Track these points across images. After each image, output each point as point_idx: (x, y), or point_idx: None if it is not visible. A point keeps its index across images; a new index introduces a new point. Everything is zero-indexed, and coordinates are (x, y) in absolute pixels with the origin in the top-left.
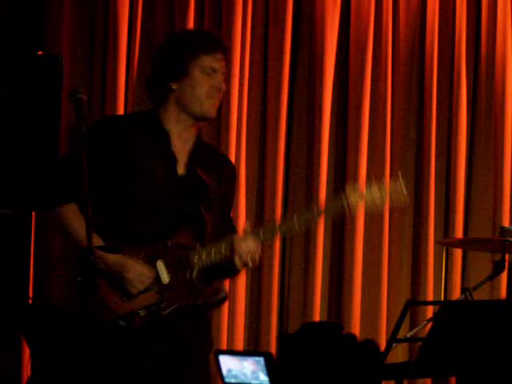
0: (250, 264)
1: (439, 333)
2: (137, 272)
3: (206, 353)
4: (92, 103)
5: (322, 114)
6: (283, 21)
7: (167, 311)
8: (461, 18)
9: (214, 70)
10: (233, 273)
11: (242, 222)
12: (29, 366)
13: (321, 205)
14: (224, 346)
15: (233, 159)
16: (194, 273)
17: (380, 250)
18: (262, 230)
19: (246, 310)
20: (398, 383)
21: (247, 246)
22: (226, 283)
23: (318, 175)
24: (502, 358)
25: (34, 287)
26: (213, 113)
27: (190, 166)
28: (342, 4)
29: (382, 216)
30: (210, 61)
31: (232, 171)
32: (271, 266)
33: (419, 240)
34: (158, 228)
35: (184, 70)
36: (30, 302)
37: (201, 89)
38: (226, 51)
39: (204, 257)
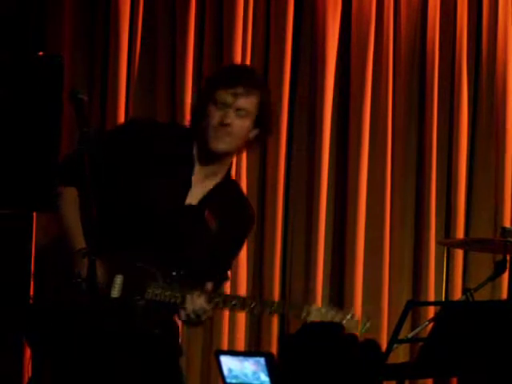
0: (192, 321)
1: (440, 333)
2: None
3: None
4: (93, 104)
5: (323, 113)
6: (284, 19)
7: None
8: (462, 15)
9: (225, 104)
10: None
11: None
12: (29, 366)
13: (278, 303)
14: (225, 347)
15: (234, 159)
16: (141, 302)
17: (381, 250)
18: (217, 297)
19: None
20: None
21: (195, 304)
22: (226, 286)
23: (319, 176)
24: (504, 359)
25: (34, 287)
26: (218, 147)
27: (203, 199)
28: (343, 2)
29: (383, 216)
30: (222, 95)
31: (247, 220)
32: (272, 267)
33: (420, 240)
34: (141, 245)
35: (202, 106)
36: (31, 302)
37: (208, 121)
38: (249, 85)
39: (157, 293)
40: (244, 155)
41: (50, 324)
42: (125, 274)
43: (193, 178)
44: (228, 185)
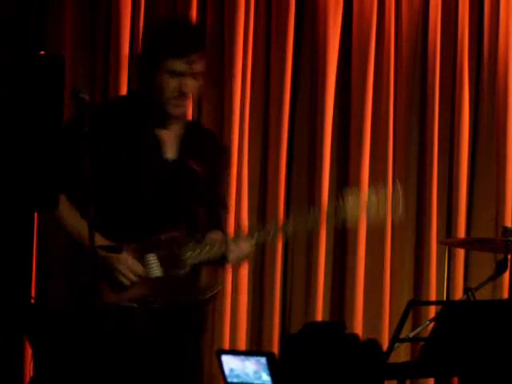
0: (243, 263)
1: (442, 333)
2: (128, 264)
3: (198, 344)
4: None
5: (325, 113)
6: (285, 19)
7: (158, 305)
8: (463, 16)
9: (180, 74)
10: (222, 266)
11: (244, 219)
12: (31, 366)
13: (318, 209)
14: (226, 346)
15: (235, 157)
16: (186, 269)
17: (382, 249)
18: (255, 232)
19: (248, 309)
20: (401, 383)
21: (242, 250)
22: (227, 284)
23: (321, 174)
24: (505, 358)
25: (36, 287)
26: (178, 112)
27: (180, 151)
28: (344, 2)
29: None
30: (175, 64)
31: (222, 151)
32: (273, 266)
33: (422, 240)
34: (151, 221)
35: (154, 72)
36: (33, 301)
37: (165, 91)
38: (196, 50)
39: (196, 255)
40: (246, 153)
41: (51, 323)
42: (155, 251)
43: (159, 134)
44: (193, 127)
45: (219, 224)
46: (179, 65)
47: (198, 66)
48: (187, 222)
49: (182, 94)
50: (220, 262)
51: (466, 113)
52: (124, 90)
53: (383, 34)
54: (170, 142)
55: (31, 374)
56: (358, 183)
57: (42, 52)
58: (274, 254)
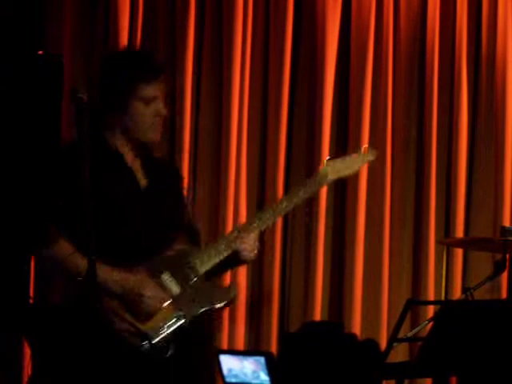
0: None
1: (440, 332)
2: (155, 289)
3: (210, 352)
4: (92, 103)
5: (323, 113)
6: (284, 19)
7: (188, 321)
8: (461, 15)
9: (154, 98)
10: (236, 266)
11: (242, 217)
12: (29, 366)
13: (302, 186)
14: (225, 346)
15: (234, 158)
16: (200, 278)
17: (381, 249)
18: (253, 222)
19: (246, 309)
20: (399, 383)
21: (250, 242)
22: (226, 282)
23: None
24: (503, 358)
25: (34, 287)
26: (156, 137)
27: (148, 177)
28: (342, 2)
29: (382, 215)
30: (150, 90)
31: (178, 172)
32: (272, 266)
33: (420, 240)
34: (149, 246)
35: (125, 104)
36: (31, 301)
37: (143, 120)
38: (164, 72)
39: (206, 260)
40: (245, 152)
41: (49, 324)
42: (166, 270)
43: (131, 165)
44: (146, 150)
45: (199, 240)
46: (151, 89)
47: (166, 87)
48: (183, 233)
49: (159, 118)
50: (232, 261)
51: (464, 112)
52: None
53: (381, 33)
54: (137, 169)
55: (30, 373)
56: (356, 183)
57: (41, 52)
58: (272, 254)
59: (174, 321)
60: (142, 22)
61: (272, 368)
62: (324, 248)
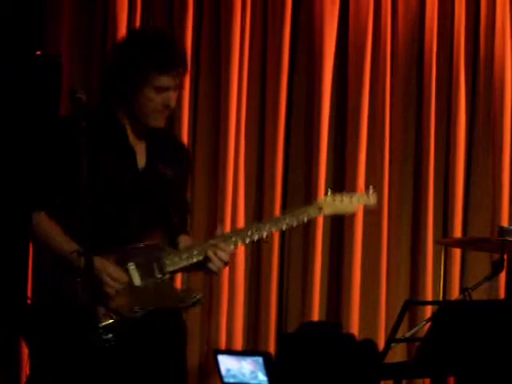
0: (221, 269)
1: (438, 333)
2: (110, 274)
3: (180, 351)
4: (91, 103)
5: (321, 114)
6: (282, 19)
7: (140, 314)
8: (459, 15)
9: (166, 88)
10: (201, 271)
11: (240, 219)
12: (27, 366)
13: (291, 213)
14: (223, 346)
15: (232, 158)
16: (166, 276)
17: (379, 249)
18: (233, 236)
19: (244, 309)
20: (397, 383)
21: (222, 253)
22: (223, 285)
23: (317, 173)
24: (501, 358)
25: (32, 287)
26: (160, 124)
27: (149, 158)
28: (340, 3)
29: (380, 215)
30: (162, 80)
31: (186, 155)
32: (270, 266)
33: (418, 240)
34: (128, 229)
35: (136, 90)
36: (29, 302)
37: (150, 106)
38: (182, 65)
39: (176, 260)
40: (243, 153)
41: (47, 323)
42: (134, 260)
43: (133, 145)
44: (156, 132)
45: (186, 228)
46: (165, 80)
47: (181, 80)
48: (164, 228)
49: (166, 108)
50: (200, 267)
51: (463, 113)
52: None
53: (379, 35)
54: (140, 150)
55: (28, 373)
56: (354, 184)
57: (40, 52)
58: (270, 254)
59: (125, 312)
60: (140, 22)
61: (270, 368)
62: (322, 248)
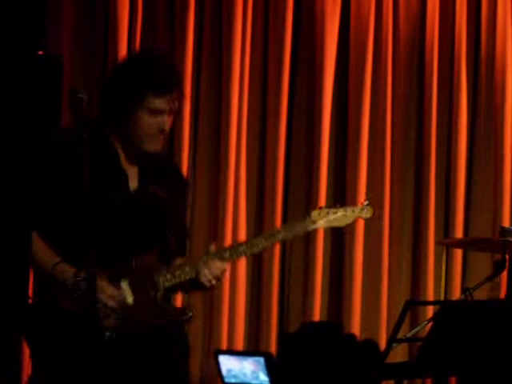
0: (215, 284)
1: (439, 333)
2: (107, 293)
3: (181, 365)
4: (92, 103)
5: (322, 114)
6: (283, 20)
7: (133, 332)
8: (461, 16)
9: (161, 112)
10: (198, 289)
11: (241, 225)
12: (29, 366)
13: (285, 227)
14: (224, 346)
15: (233, 163)
16: (159, 294)
17: (380, 250)
18: (227, 252)
19: (245, 309)
20: (398, 383)
21: (214, 269)
22: (224, 286)
23: (318, 177)
24: (502, 358)
25: (33, 287)
26: (155, 149)
27: (141, 180)
28: (342, 3)
29: (382, 216)
30: (157, 103)
31: (181, 176)
32: (271, 266)
33: (419, 240)
34: (121, 249)
35: (130, 112)
36: (30, 301)
37: (144, 129)
38: (177, 88)
39: (169, 278)
40: (244, 157)
41: (49, 324)
42: (127, 277)
43: (126, 168)
44: (150, 156)
45: (184, 252)
46: (160, 103)
47: (176, 104)
48: (158, 247)
49: (160, 132)
50: (193, 285)
51: (464, 113)
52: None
53: (381, 34)
54: (132, 174)
55: (29, 374)
56: (355, 184)
57: (41, 52)
58: (271, 254)
59: (118, 330)
60: (142, 22)
61: (271, 368)
62: (323, 248)
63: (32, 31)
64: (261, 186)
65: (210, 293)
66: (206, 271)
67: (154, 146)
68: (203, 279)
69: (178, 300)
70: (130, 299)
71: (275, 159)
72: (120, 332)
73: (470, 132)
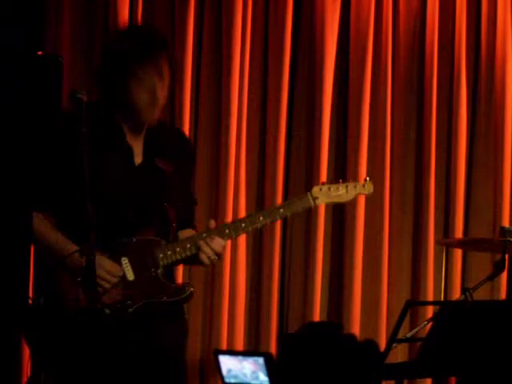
0: (215, 261)
1: (439, 333)
2: (106, 269)
3: (180, 344)
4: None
5: (322, 114)
6: (283, 20)
7: (132, 309)
8: (461, 16)
9: (148, 80)
10: (199, 264)
11: (241, 208)
12: (29, 366)
13: (285, 203)
14: (224, 346)
15: (233, 159)
16: (159, 270)
17: (380, 250)
18: (227, 229)
19: (245, 310)
20: (398, 383)
21: (214, 245)
22: (225, 285)
23: (318, 175)
24: (502, 359)
25: (33, 287)
26: (151, 118)
27: (145, 154)
28: (342, 4)
29: (381, 216)
30: (140, 71)
31: (188, 147)
32: (271, 266)
33: (419, 240)
34: (121, 224)
35: (122, 85)
36: (30, 302)
37: (135, 100)
38: (160, 53)
39: (169, 254)
40: (244, 154)
41: (49, 324)
42: (127, 255)
43: (130, 141)
44: (156, 128)
45: (192, 221)
46: (143, 70)
47: (165, 69)
48: (159, 223)
49: (152, 101)
50: (193, 261)
51: (464, 113)
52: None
53: (381, 32)
54: (137, 146)
55: (29, 374)
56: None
57: (40, 52)
58: (271, 254)
59: (118, 306)
60: (142, 22)
61: (271, 368)
62: (323, 248)
63: (31, 32)
64: (261, 183)
65: (210, 268)
66: (206, 248)
67: (149, 115)
68: (202, 256)
69: (179, 277)
70: (131, 276)
71: (275, 156)
72: (119, 309)
73: (470, 132)
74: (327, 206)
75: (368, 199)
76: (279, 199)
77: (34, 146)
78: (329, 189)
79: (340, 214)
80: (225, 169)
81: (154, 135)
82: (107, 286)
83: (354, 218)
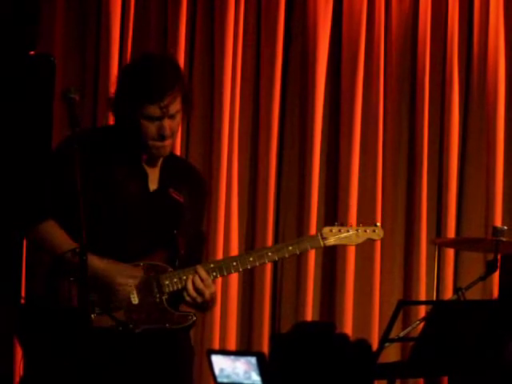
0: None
1: (431, 332)
2: (127, 275)
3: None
4: (84, 103)
5: (315, 115)
6: (275, 19)
7: (139, 331)
8: (453, 16)
9: (159, 118)
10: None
11: (233, 224)
12: (21, 366)
13: (295, 241)
14: (216, 346)
15: (225, 161)
16: (164, 296)
17: (372, 249)
18: (234, 261)
19: (238, 309)
20: (390, 383)
21: (197, 285)
22: (217, 284)
23: (310, 178)
24: (494, 358)
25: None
26: (160, 153)
27: (161, 182)
28: (334, 3)
29: (374, 215)
30: (151, 110)
31: (202, 185)
32: (263, 266)
33: (411, 240)
34: (130, 247)
35: (133, 119)
36: (23, 302)
37: (147, 136)
38: (171, 91)
39: (175, 282)
40: (236, 157)
41: (41, 324)
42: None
43: (145, 167)
44: (172, 159)
45: (200, 260)
46: (154, 110)
47: (173, 107)
48: (167, 249)
49: (162, 137)
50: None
51: (456, 113)
52: (113, 90)
53: (373, 33)
54: (152, 173)
55: (21, 374)
56: (347, 184)
57: (32, 52)
58: None
59: (119, 328)
60: (134, 22)
61: (264, 368)
62: (316, 249)
63: (24, 31)
64: (253, 186)
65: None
66: (189, 287)
67: (159, 150)
68: (184, 294)
69: None
70: (135, 300)
71: (267, 159)
72: (126, 328)
73: (463, 131)
74: (319, 208)
75: (360, 198)
76: (271, 201)
77: (27, 148)
78: (339, 231)
79: (333, 214)
80: (217, 171)
81: (170, 166)
82: (130, 289)
83: (346, 217)
